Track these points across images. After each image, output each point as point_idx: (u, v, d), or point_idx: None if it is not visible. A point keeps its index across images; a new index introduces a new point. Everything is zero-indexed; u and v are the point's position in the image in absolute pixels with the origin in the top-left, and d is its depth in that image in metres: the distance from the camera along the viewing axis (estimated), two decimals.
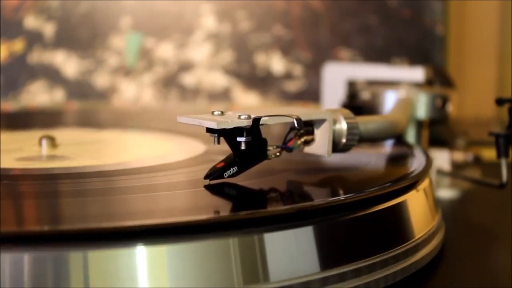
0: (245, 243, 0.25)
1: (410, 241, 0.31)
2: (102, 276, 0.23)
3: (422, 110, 0.48)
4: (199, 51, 0.74)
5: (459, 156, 0.49)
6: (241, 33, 0.74)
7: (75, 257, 0.23)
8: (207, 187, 0.30)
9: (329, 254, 0.27)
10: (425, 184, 0.35)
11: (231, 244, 0.25)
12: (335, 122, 0.34)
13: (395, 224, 0.31)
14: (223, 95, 0.74)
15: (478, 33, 0.79)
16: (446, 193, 0.47)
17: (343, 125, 0.34)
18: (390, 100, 0.49)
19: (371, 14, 0.74)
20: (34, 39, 0.73)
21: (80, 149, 0.41)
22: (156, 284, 0.24)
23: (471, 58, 0.79)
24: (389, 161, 0.41)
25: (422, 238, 0.32)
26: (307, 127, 0.33)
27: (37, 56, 0.73)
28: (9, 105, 0.73)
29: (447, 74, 0.58)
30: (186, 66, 0.74)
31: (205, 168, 0.31)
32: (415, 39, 0.74)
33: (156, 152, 0.41)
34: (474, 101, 0.76)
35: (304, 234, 0.27)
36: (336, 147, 0.34)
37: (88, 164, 0.36)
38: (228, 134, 0.30)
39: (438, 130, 0.51)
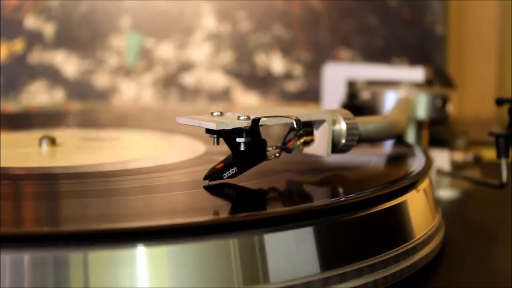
0: (245, 244, 0.25)
1: (410, 241, 0.31)
2: (102, 277, 0.23)
3: (422, 110, 0.48)
4: (199, 51, 0.74)
5: (459, 156, 0.49)
6: (241, 33, 0.74)
7: (75, 258, 0.23)
8: (206, 188, 0.30)
9: (329, 254, 0.27)
10: (425, 184, 0.35)
11: (231, 245, 0.25)
12: (334, 122, 0.34)
13: (395, 225, 0.31)
14: (223, 95, 0.74)
15: (478, 33, 0.79)
16: (446, 193, 0.47)
17: (342, 126, 0.34)
18: (390, 100, 0.49)
19: (371, 14, 0.74)
20: (34, 39, 0.73)
21: (80, 149, 0.41)
22: (156, 285, 0.24)
23: (471, 58, 0.79)
24: (389, 161, 0.41)
25: (422, 238, 0.32)
26: (306, 128, 0.33)
27: (37, 56, 0.73)
28: (9, 105, 0.73)
29: (447, 74, 0.58)
30: (186, 66, 0.74)
31: (205, 169, 0.31)
32: (415, 39, 0.74)
33: (156, 152, 0.41)
34: (474, 101, 0.76)
35: (304, 235, 0.27)
36: (336, 147, 0.34)
37: (88, 164, 0.36)
38: (227, 135, 0.30)
39: (438, 130, 0.51)
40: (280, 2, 0.74)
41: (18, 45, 0.73)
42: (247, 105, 0.74)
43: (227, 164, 0.31)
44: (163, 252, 0.24)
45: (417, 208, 0.33)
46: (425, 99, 0.48)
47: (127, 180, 0.33)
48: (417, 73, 0.55)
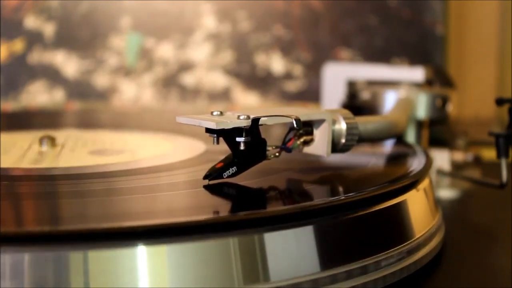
0: (245, 243, 0.25)
1: (410, 241, 0.31)
2: (103, 276, 0.23)
3: (422, 110, 0.48)
4: (199, 51, 0.74)
5: (459, 156, 0.49)
6: (241, 33, 0.74)
7: (75, 257, 0.23)
8: (206, 187, 0.30)
9: (329, 253, 0.27)
10: (425, 183, 0.35)
11: (231, 244, 0.25)
12: (334, 122, 0.34)
13: (395, 224, 0.31)
14: (223, 95, 0.75)
15: (478, 33, 0.79)
16: (446, 193, 0.47)
17: (342, 125, 0.34)
18: (390, 100, 0.49)
19: (371, 14, 0.74)
20: (34, 39, 0.73)
21: (80, 149, 0.41)
22: (156, 284, 0.24)
23: (471, 58, 0.79)
24: (389, 160, 0.41)
25: (422, 237, 0.32)
26: (306, 128, 0.33)
27: (37, 56, 0.73)
28: (9, 105, 0.73)
29: (447, 74, 0.58)
30: (186, 66, 0.74)
31: (205, 168, 0.31)
32: (415, 39, 0.74)
33: (156, 152, 0.41)
34: (474, 101, 0.76)
35: (304, 233, 0.27)
36: (336, 147, 0.34)
37: (88, 164, 0.36)
38: (227, 135, 0.30)
39: (438, 130, 0.51)
40: (280, 2, 0.74)
41: (18, 45, 0.73)
42: (247, 105, 0.74)
43: (227, 163, 0.30)
44: (163, 251, 0.24)
45: (417, 207, 0.33)
46: (425, 99, 0.48)
47: (127, 180, 0.33)
48: (417, 73, 0.55)
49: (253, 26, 0.74)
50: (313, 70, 0.73)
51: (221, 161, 0.31)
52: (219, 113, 0.31)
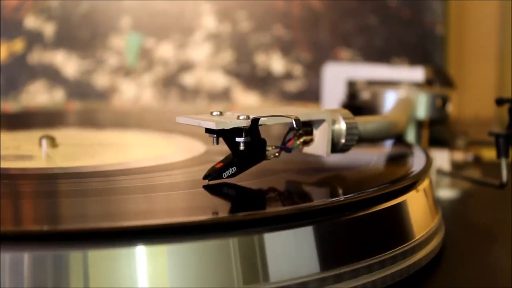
0: (245, 244, 0.25)
1: (410, 242, 0.31)
2: (102, 276, 0.23)
3: (422, 110, 0.48)
4: (199, 51, 0.74)
5: (459, 156, 0.49)
6: (241, 33, 0.74)
7: (75, 257, 0.23)
8: (206, 187, 0.30)
9: (328, 254, 0.27)
10: (425, 184, 0.35)
11: (231, 244, 0.25)
12: (334, 122, 0.34)
13: (395, 225, 0.31)
14: (223, 95, 0.75)
15: (478, 33, 0.79)
16: (446, 193, 0.47)
17: (342, 125, 0.34)
18: (390, 100, 0.49)
19: (371, 14, 0.74)
20: (34, 39, 0.73)
21: (80, 149, 0.41)
22: (156, 284, 0.24)
23: (471, 58, 0.79)
24: (389, 161, 0.41)
25: (422, 238, 0.32)
26: (306, 128, 0.33)
27: (37, 56, 0.73)
28: (9, 105, 0.73)
29: (447, 74, 0.58)
30: (186, 66, 0.74)
31: (205, 169, 0.31)
32: (415, 39, 0.74)
33: (156, 152, 0.41)
34: (474, 101, 0.76)
35: (304, 234, 0.27)
36: (335, 147, 0.34)
37: (88, 164, 0.36)
38: (227, 135, 0.30)
39: (438, 130, 0.51)
40: (280, 2, 0.74)
41: (18, 45, 0.73)
42: (247, 105, 0.74)
43: (226, 163, 0.30)
44: (163, 251, 0.24)
45: (417, 208, 0.33)
46: (425, 99, 0.48)
47: (127, 180, 0.33)
48: (417, 73, 0.55)
49: (253, 26, 0.74)
50: (313, 70, 0.73)
51: (220, 161, 0.31)
52: (218, 113, 0.31)
